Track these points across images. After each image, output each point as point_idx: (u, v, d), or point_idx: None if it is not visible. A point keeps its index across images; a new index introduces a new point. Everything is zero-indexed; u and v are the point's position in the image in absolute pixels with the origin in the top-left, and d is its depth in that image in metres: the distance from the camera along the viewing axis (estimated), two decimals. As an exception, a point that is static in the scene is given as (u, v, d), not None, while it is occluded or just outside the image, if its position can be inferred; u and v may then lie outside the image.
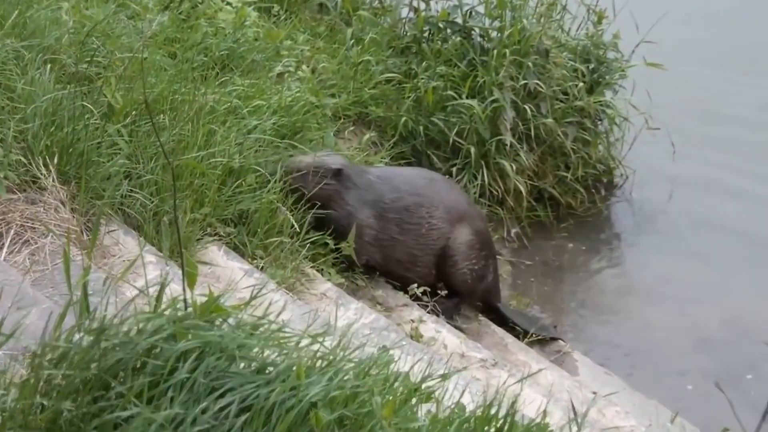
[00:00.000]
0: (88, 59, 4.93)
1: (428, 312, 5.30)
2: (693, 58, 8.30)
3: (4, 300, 2.97)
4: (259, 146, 5.26)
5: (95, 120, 4.60)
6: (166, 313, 2.80)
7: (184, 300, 2.84)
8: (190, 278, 2.88)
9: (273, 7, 6.75)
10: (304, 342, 2.92)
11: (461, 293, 5.53)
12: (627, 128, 6.98)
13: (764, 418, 2.71)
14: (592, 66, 6.87)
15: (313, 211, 5.20)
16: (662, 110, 6.99)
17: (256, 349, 2.84)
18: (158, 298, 2.84)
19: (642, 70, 6.89)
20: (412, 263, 5.42)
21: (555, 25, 6.83)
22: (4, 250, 4.08)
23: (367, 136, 6.17)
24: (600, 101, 6.81)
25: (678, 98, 7.75)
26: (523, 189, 6.43)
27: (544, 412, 3.22)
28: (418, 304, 5.35)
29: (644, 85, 6.90)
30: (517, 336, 5.60)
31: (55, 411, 2.61)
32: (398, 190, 5.36)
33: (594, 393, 4.96)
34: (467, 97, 6.33)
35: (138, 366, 2.70)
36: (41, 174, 4.37)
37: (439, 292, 5.43)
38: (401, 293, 5.42)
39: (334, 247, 5.23)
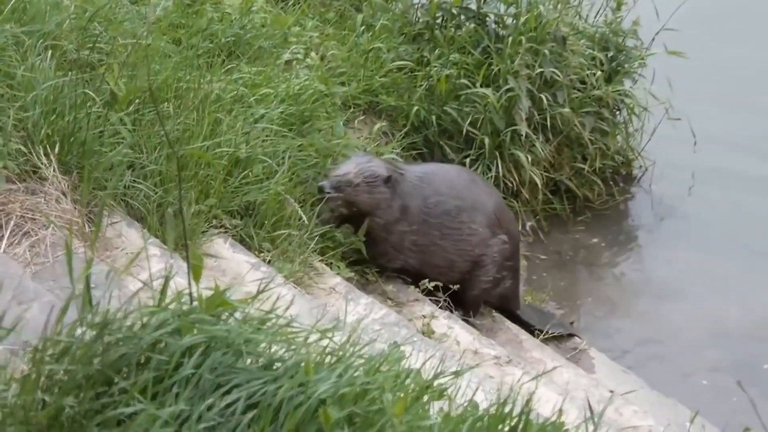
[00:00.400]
0: (90, 45, 4.87)
1: (440, 307, 5.24)
2: (715, 45, 8.20)
3: (4, 293, 2.94)
4: (267, 136, 5.19)
5: (97, 108, 4.57)
6: (171, 307, 2.79)
7: (190, 293, 2.83)
8: (195, 271, 2.88)
9: (281, -9, 6.67)
10: (313, 337, 2.91)
11: (476, 296, 5.44)
12: (646, 118, 6.90)
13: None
14: (610, 54, 6.77)
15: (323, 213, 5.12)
16: (683, 100, 6.89)
17: (263, 345, 2.82)
18: (163, 292, 2.82)
19: (662, 59, 6.79)
20: (448, 268, 5.35)
21: (572, 11, 6.73)
22: (4, 241, 4.08)
23: (377, 126, 6.09)
24: (619, 90, 6.71)
25: (700, 87, 7.65)
26: (538, 181, 6.35)
27: (560, 410, 3.18)
28: (430, 300, 5.29)
29: (665, 74, 6.79)
30: (531, 333, 5.56)
31: (57, 407, 2.59)
32: (440, 193, 5.30)
33: (611, 391, 4.94)
34: (481, 86, 6.24)
35: (142, 361, 2.69)
36: (42, 164, 4.36)
37: (451, 287, 5.33)
38: (412, 288, 5.37)
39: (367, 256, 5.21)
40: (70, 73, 4.60)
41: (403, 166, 5.40)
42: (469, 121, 6.22)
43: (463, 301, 5.39)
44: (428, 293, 5.30)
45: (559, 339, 5.61)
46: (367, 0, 6.73)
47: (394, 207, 5.19)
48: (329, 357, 2.85)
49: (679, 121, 6.86)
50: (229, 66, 5.55)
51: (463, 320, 5.23)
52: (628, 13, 6.84)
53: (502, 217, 5.47)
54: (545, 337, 5.49)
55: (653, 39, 6.83)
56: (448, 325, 5.02)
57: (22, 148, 4.32)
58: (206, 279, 2.91)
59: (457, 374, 3.15)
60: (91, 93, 4.54)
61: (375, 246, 5.21)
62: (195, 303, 2.81)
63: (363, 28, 6.46)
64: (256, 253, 4.82)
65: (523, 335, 5.46)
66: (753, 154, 7.37)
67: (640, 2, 6.80)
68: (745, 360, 5.73)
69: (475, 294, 5.42)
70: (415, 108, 6.22)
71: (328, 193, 5.06)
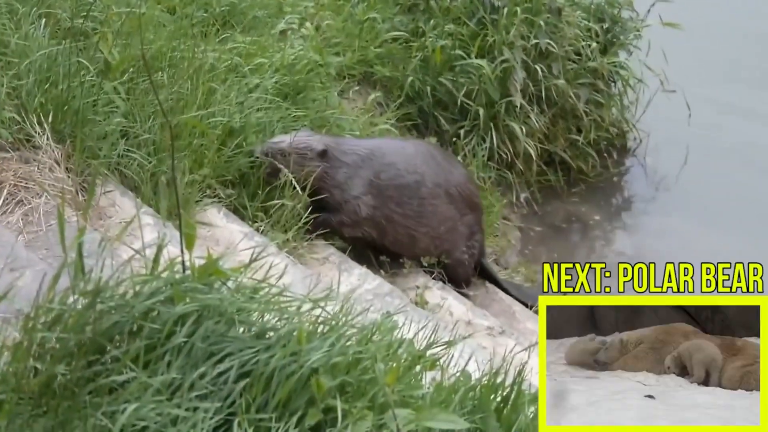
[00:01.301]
0: (84, 14, 4.83)
1: (434, 278, 5.23)
2: (710, 17, 8.16)
3: None
4: (261, 105, 5.16)
5: (91, 77, 4.54)
6: (164, 275, 2.78)
7: (182, 262, 2.82)
8: (188, 240, 2.86)
9: (276, -40, 6.62)
10: (306, 307, 2.91)
11: (455, 269, 5.41)
12: (641, 90, 6.88)
13: None
14: (606, 25, 6.74)
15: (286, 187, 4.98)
16: (678, 72, 6.87)
17: (255, 314, 2.83)
18: (155, 260, 2.81)
19: (658, 30, 6.76)
20: (411, 244, 5.25)
21: (568, -18, 6.69)
22: (-3, 210, 4.03)
23: (372, 97, 6.06)
24: (614, 62, 6.70)
25: (695, 60, 7.63)
26: (533, 152, 6.34)
27: (552, 380, 3.16)
28: (424, 270, 5.27)
29: (660, 46, 6.76)
30: (525, 304, 5.51)
31: (49, 375, 2.59)
32: (395, 167, 5.17)
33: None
34: (476, 57, 6.21)
35: (134, 329, 2.68)
36: (35, 132, 4.34)
37: (442, 260, 5.32)
38: (405, 259, 5.33)
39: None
40: (63, 41, 4.58)
41: (349, 140, 5.28)
42: (463, 92, 6.20)
43: (450, 277, 5.37)
44: (422, 264, 5.31)
45: (552, 310, 5.58)
46: (362, -30, 6.69)
47: (339, 178, 5.08)
48: (322, 326, 2.86)
49: (673, 94, 6.84)
50: (224, 35, 5.51)
51: (458, 292, 5.22)
52: (624, -16, 6.83)
53: (465, 191, 5.37)
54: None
55: (649, 10, 6.81)
56: (442, 295, 5.01)
57: (16, 116, 4.31)
58: (199, 248, 2.91)
59: (449, 344, 3.15)
60: (84, 62, 4.52)
61: (332, 216, 5.09)
62: (188, 272, 2.81)
63: (358, -2, 6.44)
64: (250, 222, 4.80)
65: (516, 306, 5.45)
66: (748, 127, 7.36)
67: (635, -27, 6.78)
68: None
69: (454, 267, 5.38)
70: (410, 79, 6.19)
71: (257, 158, 4.95)
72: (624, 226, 6.65)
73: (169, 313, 2.67)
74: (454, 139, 6.22)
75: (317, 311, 2.90)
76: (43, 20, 4.70)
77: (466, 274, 5.45)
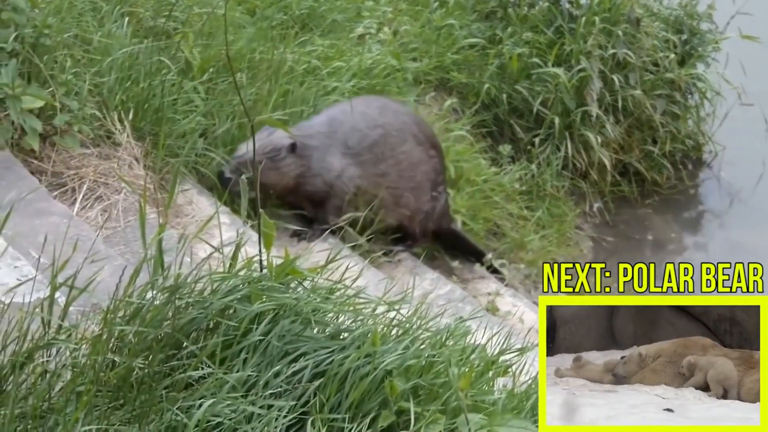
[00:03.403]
0: (166, 14, 4.91)
1: (506, 285, 5.21)
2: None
3: (77, 255, 2.93)
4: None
5: (172, 76, 4.60)
6: (241, 273, 2.80)
7: (260, 261, 2.82)
8: (266, 239, 2.86)
9: (355, -35, 6.65)
10: (381, 309, 2.91)
11: (418, 225, 5.14)
12: (718, 103, 6.78)
13: None
14: (684, 37, 6.65)
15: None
16: (756, 85, 6.76)
17: (331, 314, 2.85)
18: (234, 258, 2.84)
19: (737, 43, 6.66)
20: (395, 203, 5.02)
21: (647, -8, 6.64)
22: (77, 205, 4.13)
23: (448, 103, 6.04)
24: (691, 74, 6.60)
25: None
26: (607, 162, 6.27)
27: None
28: (496, 277, 5.24)
29: (738, 59, 6.68)
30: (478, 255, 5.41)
31: (127, 368, 2.61)
32: (357, 129, 4.93)
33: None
34: (553, 66, 6.17)
35: (211, 326, 2.71)
36: (116, 129, 4.40)
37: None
38: (477, 265, 5.33)
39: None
40: (145, 40, 4.65)
41: (305, 124, 4.94)
42: (540, 100, 6.16)
43: (408, 232, 5.12)
44: (493, 271, 5.30)
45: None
46: (441, -24, 6.69)
47: (315, 166, 4.83)
48: (396, 329, 2.86)
49: (751, 107, 6.75)
50: (303, 38, 5.56)
51: (526, 299, 5.18)
52: (703, -4, 6.76)
53: (425, 131, 5.15)
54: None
55: (728, 23, 6.71)
56: (513, 303, 5.00)
57: (97, 113, 4.38)
58: (274, 248, 2.92)
59: (522, 351, 3.14)
60: (166, 61, 4.59)
61: (324, 207, 4.88)
62: (265, 271, 2.83)
63: (436, 4, 6.41)
64: (324, 224, 4.82)
65: (586, 316, 5.40)
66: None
67: (715, -14, 6.71)
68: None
69: (421, 220, 5.12)
70: (486, 86, 6.17)
71: (229, 178, 4.57)
72: (697, 239, 6.56)
73: (246, 311, 2.69)
74: (529, 147, 6.19)
75: (392, 314, 2.90)
76: (126, 19, 4.77)
77: (423, 226, 5.16)
